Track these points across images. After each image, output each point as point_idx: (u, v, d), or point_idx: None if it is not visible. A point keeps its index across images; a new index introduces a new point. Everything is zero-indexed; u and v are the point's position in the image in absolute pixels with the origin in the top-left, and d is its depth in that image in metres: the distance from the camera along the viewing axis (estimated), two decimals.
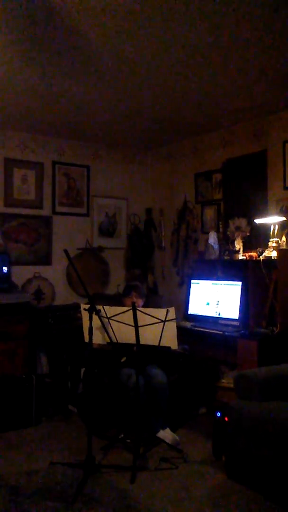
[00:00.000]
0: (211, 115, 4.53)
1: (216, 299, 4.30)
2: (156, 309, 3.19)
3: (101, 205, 5.61)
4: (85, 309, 3.16)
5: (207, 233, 4.81)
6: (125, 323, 3.21)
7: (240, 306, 4.06)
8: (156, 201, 5.88)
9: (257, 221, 4.16)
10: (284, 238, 4.00)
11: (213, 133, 5.08)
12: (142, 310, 3.18)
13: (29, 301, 4.55)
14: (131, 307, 3.16)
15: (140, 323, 3.17)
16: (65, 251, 3.09)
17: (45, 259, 5.17)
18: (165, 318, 3.12)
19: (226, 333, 3.86)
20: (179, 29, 2.84)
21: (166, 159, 5.76)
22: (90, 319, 3.09)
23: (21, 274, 4.95)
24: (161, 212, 5.76)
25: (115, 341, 3.32)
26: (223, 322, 4.17)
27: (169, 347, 3.22)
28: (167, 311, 3.11)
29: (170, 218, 5.60)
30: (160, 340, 3.19)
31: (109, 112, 4.39)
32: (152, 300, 4.38)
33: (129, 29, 2.83)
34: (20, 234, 5.02)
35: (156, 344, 3.21)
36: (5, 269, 4.59)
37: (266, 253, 3.98)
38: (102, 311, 3.20)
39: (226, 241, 4.54)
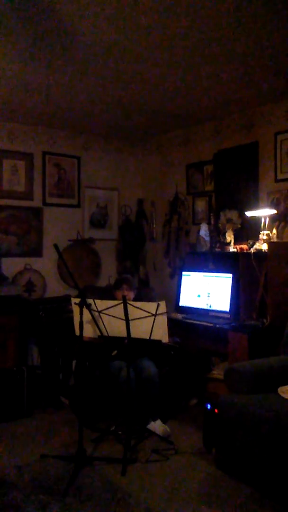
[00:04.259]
0: (202, 106, 4.49)
1: (207, 291, 4.31)
2: (146, 303, 3.19)
3: (92, 196, 5.58)
4: (75, 303, 3.15)
5: (199, 224, 4.80)
6: (116, 317, 3.21)
7: (231, 298, 4.07)
8: (148, 192, 5.85)
9: (248, 213, 4.16)
10: (274, 231, 4.00)
11: (204, 124, 5.05)
12: (133, 304, 3.18)
13: (20, 293, 4.53)
14: (121, 301, 3.15)
15: (131, 317, 3.17)
16: (55, 246, 3.07)
17: (36, 251, 5.14)
18: (156, 312, 3.12)
19: (217, 325, 3.87)
20: (172, 21, 2.80)
21: (158, 150, 5.72)
22: (81, 313, 3.08)
23: (11, 266, 4.92)
24: (152, 204, 5.73)
25: (106, 334, 3.32)
26: (214, 314, 4.18)
27: (160, 341, 3.23)
28: (158, 305, 3.11)
29: (161, 210, 5.59)
30: (151, 334, 3.20)
31: (100, 103, 4.34)
32: (144, 292, 4.39)
33: (120, 21, 2.79)
34: (10, 225, 4.98)
35: (147, 337, 3.22)
36: None
37: (257, 246, 3.98)
38: (93, 304, 3.20)
39: (217, 233, 4.54)
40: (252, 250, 3.98)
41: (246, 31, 2.93)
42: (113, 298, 3.75)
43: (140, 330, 3.21)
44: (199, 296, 4.38)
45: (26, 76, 3.65)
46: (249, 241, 4.11)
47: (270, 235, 3.97)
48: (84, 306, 3.10)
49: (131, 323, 3.18)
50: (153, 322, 3.15)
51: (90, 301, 3.17)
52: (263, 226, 4.03)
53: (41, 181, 5.19)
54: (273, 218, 4.08)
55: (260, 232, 4.03)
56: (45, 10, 2.65)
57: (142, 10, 2.67)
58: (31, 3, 2.58)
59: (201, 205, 5.12)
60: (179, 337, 4.19)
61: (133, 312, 3.17)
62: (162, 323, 3.16)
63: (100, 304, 3.22)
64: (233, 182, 4.70)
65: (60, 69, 3.53)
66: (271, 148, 4.34)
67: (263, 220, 4.05)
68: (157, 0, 2.56)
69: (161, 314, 3.13)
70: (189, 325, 4.15)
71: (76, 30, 2.90)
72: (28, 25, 2.84)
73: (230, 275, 4.12)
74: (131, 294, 3.89)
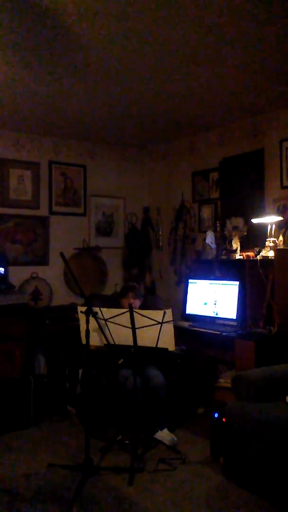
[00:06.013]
0: (208, 114, 4.51)
1: (213, 299, 4.29)
2: (153, 311, 3.18)
3: (98, 204, 5.59)
4: (82, 312, 3.15)
5: (205, 232, 4.80)
6: (122, 325, 3.21)
7: (237, 306, 4.05)
8: (154, 200, 5.86)
9: (254, 220, 4.15)
10: (281, 238, 3.99)
11: (210, 132, 5.06)
12: (139, 312, 3.17)
13: (26, 302, 4.54)
14: (128, 309, 3.15)
15: (137, 325, 3.16)
16: (61, 254, 3.08)
17: (42, 259, 5.16)
18: (162, 320, 3.11)
19: (224, 333, 3.85)
20: (176, 29, 2.81)
21: (163, 158, 5.74)
22: (87, 321, 3.08)
23: (18, 274, 4.93)
24: (158, 211, 5.74)
25: (112, 342, 3.31)
26: (220, 322, 4.16)
27: (167, 349, 3.21)
28: (164, 312, 3.10)
29: (167, 217, 5.60)
30: (157, 342, 3.19)
31: (106, 111, 4.36)
32: (150, 300, 4.38)
33: (123, 28, 2.81)
34: (17, 234, 5.00)
35: (154, 345, 3.21)
36: (2, 270, 4.58)
37: (263, 253, 3.97)
38: (99, 313, 3.19)
39: (223, 241, 4.53)
40: (258, 257, 3.97)
41: (250, 37, 2.94)
42: (120, 306, 3.74)
43: (147, 338, 3.20)
44: (205, 304, 4.36)
45: (30, 85, 3.67)
46: (255, 248, 4.10)
47: (277, 242, 3.96)
48: (91, 315, 3.10)
49: (137, 331, 3.17)
50: (160, 330, 3.14)
51: (96, 309, 3.17)
52: (269, 233, 4.02)
53: (47, 190, 5.21)
54: (279, 225, 4.07)
55: (267, 239, 4.02)
56: (53, 22, 2.68)
57: (145, 17, 2.69)
58: (42, 17, 2.61)
59: (207, 212, 5.12)
60: (186, 345, 4.17)
61: (139, 320, 3.16)
62: (168, 331, 3.15)
63: (107, 312, 3.21)
64: (239, 189, 4.70)
65: (65, 80, 3.56)
66: (276, 155, 4.34)
67: (269, 227, 4.04)
68: (160, 6, 2.57)
69: (168, 322, 3.12)
70: (195, 333, 4.14)
71: (79, 38, 2.92)
72: (30, 32, 2.84)
73: (237, 282, 4.11)
74: (137, 302, 3.89)
